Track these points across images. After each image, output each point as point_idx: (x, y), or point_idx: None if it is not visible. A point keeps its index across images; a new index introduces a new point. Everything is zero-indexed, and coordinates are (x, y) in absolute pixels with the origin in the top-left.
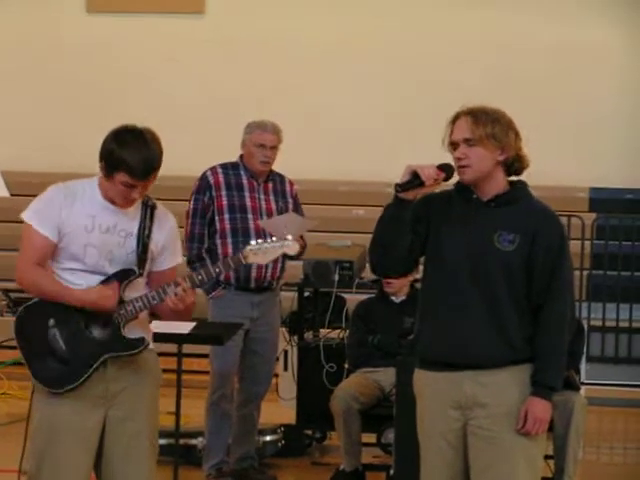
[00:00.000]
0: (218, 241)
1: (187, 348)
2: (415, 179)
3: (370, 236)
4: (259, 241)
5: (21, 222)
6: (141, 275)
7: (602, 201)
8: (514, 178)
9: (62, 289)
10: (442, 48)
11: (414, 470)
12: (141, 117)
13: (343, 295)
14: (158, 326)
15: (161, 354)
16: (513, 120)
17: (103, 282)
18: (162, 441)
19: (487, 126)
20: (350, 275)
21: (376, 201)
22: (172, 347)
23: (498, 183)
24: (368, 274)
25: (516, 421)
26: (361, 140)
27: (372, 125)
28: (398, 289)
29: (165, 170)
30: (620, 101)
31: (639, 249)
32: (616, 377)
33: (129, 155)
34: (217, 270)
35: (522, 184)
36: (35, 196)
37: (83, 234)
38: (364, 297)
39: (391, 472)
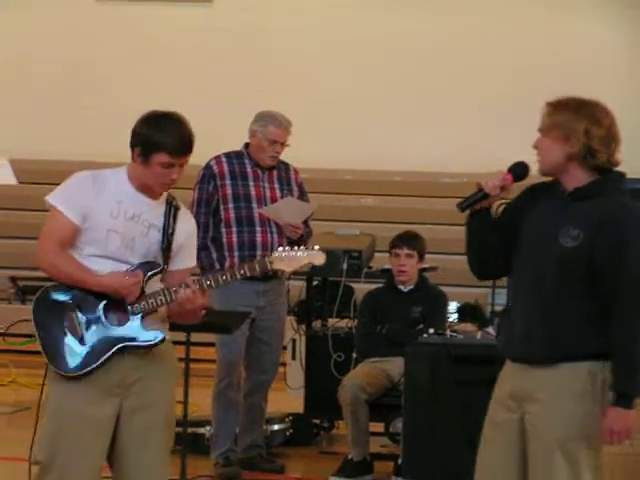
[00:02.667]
0: (223, 230)
1: (194, 337)
2: (478, 192)
3: (378, 225)
4: (287, 248)
5: (29, 210)
6: (165, 270)
7: None
8: (615, 169)
9: (83, 272)
10: (447, 37)
11: (422, 459)
12: (147, 106)
13: (351, 284)
14: None
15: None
16: (605, 112)
17: (129, 270)
18: None
19: (557, 116)
20: (358, 264)
21: (384, 190)
22: (179, 335)
23: (576, 177)
24: (376, 263)
25: (562, 420)
26: (369, 129)
27: (380, 114)
28: (410, 278)
29: None
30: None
31: None
32: None
33: (167, 135)
34: (242, 272)
35: (610, 177)
36: (43, 184)
37: (108, 219)
38: (372, 286)
39: (399, 461)
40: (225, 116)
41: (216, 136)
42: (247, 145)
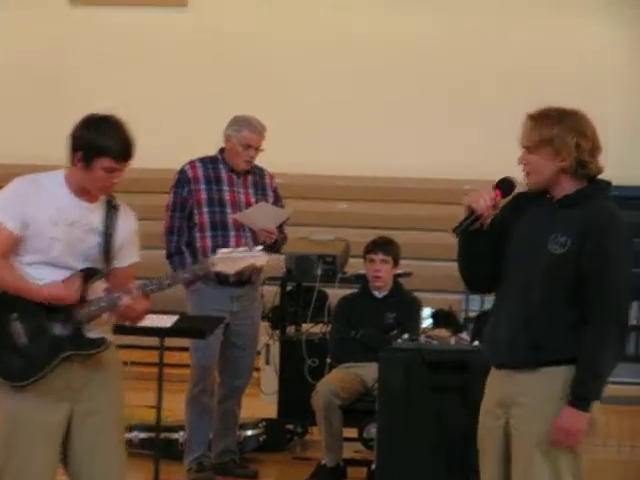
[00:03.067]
0: (197, 235)
1: (168, 342)
2: (471, 215)
3: (352, 230)
4: (229, 249)
5: None
6: (104, 275)
7: None
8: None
9: (23, 282)
10: (433, 43)
11: (396, 465)
12: (122, 109)
13: (326, 290)
14: None
15: (142, 347)
16: (586, 122)
17: (68, 277)
18: (143, 435)
19: (543, 131)
20: (333, 269)
21: (359, 195)
22: (152, 340)
23: (566, 187)
24: (351, 269)
25: (543, 424)
26: (345, 134)
27: (355, 119)
28: (385, 283)
29: (147, 163)
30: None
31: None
32: (622, 375)
33: (110, 139)
34: (186, 276)
35: (597, 185)
36: None
37: (49, 227)
38: (347, 292)
39: (373, 467)
40: (201, 121)
41: (191, 141)
42: (222, 150)
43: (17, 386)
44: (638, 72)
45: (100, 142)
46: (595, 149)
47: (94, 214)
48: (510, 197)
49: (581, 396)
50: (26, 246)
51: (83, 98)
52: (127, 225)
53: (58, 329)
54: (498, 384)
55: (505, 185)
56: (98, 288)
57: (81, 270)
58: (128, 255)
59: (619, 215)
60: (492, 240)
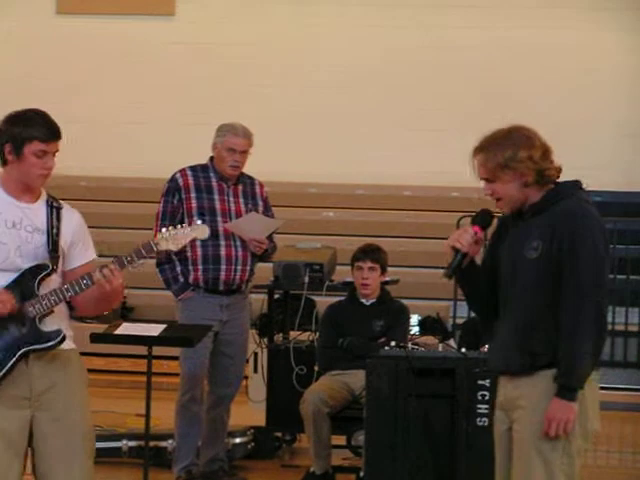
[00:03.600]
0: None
1: (157, 350)
2: (456, 255)
3: (339, 238)
4: (170, 228)
5: None
6: (55, 271)
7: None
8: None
9: None
10: (417, 54)
11: (384, 472)
12: (111, 118)
13: (313, 297)
14: (128, 329)
15: (130, 356)
16: (529, 132)
17: (17, 278)
18: (132, 443)
19: (495, 157)
20: (320, 277)
21: (346, 203)
22: (141, 349)
23: (535, 197)
24: (338, 276)
25: (539, 424)
26: (331, 142)
27: (342, 127)
28: (373, 291)
29: (134, 172)
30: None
31: (633, 252)
32: (612, 381)
33: (33, 125)
34: (129, 258)
35: (561, 186)
36: None
37: None
38: (334, 299)
39: (361, 474)
40: (188, 129)
41: (180, 149)
42: (212, 159)
43: None
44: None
45: (25, 128)
46: (546, 153)
47: (37, 214)
48: (497, 225)
49: (565, 386)
50: None
51: (67, 106)
52: (72, 224)
53: (12, 328)
54: (501, 389)
55: (481, 219)
56: (52, 283)
57: (28, 269)
58: (82, 254)
59: (586, 207)
60: (490, 271)
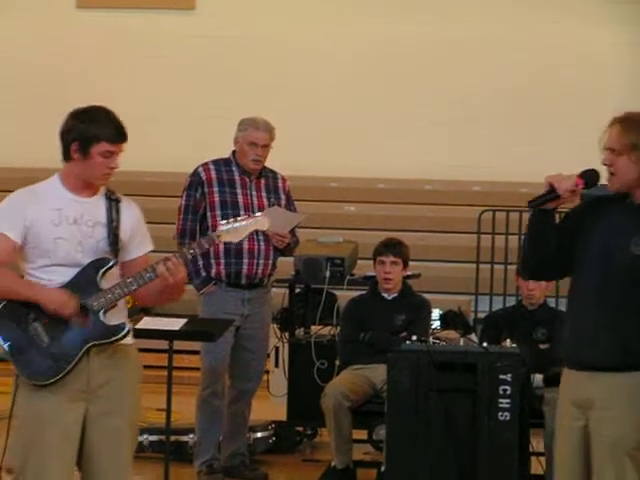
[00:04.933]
0: None
1: (178, 345)
2: (550, 192)
3: (361, 232)
4: (230, 220)
5: None
6: (116, 264)
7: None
8: None
9: (24, 288)
10: (435, 47)
11: (405, 467)
12: (130, 112)
13: (334, 292)
14: (148, 323)
15: (152, 350)
16: None
17: (79, 273)
18: (153, 438)
19: (632, 136)
20: (341, 272)
21: (367, 197)
22: (163, 343)
23: None
24: (359, 270)
25: (626, 427)
26: (353, 136)
27: (363, 122)
28: (395, 285)
29: (155, 167)
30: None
31: None
32: None
33: (103, 125)
34: (192, 251)
35: None
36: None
37: (51, 228)
38: (355, 294)
39: (382, 469)
40: (209, 124)
41: (201, 143)
42: (234, 153)
43: (43, 385)
44: (638, 72)
45: (94, 128)
46: None
47: (96, 208)
48: (591, 199)
49: None
50: (35, 251)
51: (88, 100)
52: (132, 215)
53: (77, 323)
54: (576, 385)
55: (589, 176)
56: (113, 277)
57: (90, 262)
58: (141, 245)
59: None
60: (562, 234)
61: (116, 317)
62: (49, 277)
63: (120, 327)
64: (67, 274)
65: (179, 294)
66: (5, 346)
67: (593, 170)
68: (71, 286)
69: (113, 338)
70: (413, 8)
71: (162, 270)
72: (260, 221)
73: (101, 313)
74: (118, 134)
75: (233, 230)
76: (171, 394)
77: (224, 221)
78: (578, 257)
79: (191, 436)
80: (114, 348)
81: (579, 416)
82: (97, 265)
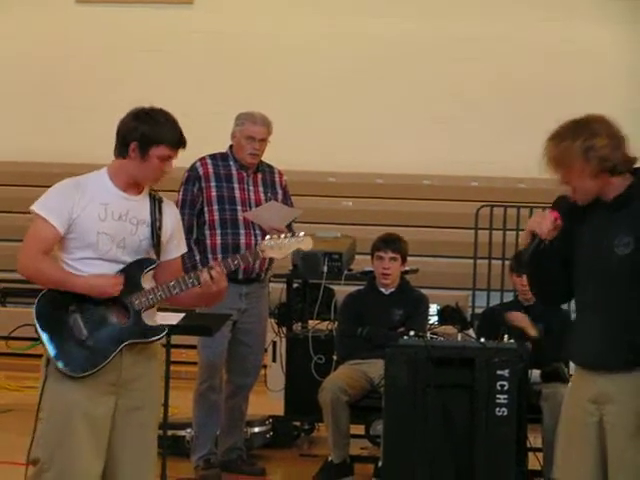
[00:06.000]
0: (207, 232)
1: (175, 339)
2: (534, 240)
3: (358, 227)
4: (274, 236)
5: (11, 212)
6: (158, 264)
7: None
8: None
9: (65, 275)
10: (434, 44)
11: (402, 462)
12: (128, 108)
13: (332, 287)
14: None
15: None
16: (602, 121)
17: (123, 270)
18: None
19: (560, 147)
20: (339, 266)
21: (365, 192)
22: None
23: (612, 185)
24: (356, 266)
25: (633, 425)
26: (350, 132)
27: (361, 117)
28: (393, 280)
29: None
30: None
31: None
32: None
33: (165, 129)
34: (236, 262)
35: None
36: (25, 186)
37: (96, 222)
38: (352, 289)
39: (379, 464)
40: (207, 118)
41: (199, 138)
42: (232, 147)
43: (79, 377)
44: (638, 72)
45: (156, 131)
46: (616, 142)
47: (141, 206)
48: (567, 208)
49: None
50: (76, 243)
51: (89, 96)
52: (173, 216)
53: (118, 318)
54: (590, 383)
55: (561, 205)
56: (151, 276)
57: (135, 261)
58: (177, 247)
59: None
60: (559, 254)
61: (150, 317)
62: (87, 270)
63: (160, 329)
64: (105, 268)
65: (219, 301)
66: (43, 335)
67: (563, 197)
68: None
69: (153, 338)
70: (412, 6)
71: (206, 278)
72: (305, 241)
73: (141, 312)
74: (179, 139)
75: (277, 247)
76: (169, 388)
77: (268, 236)
78: (575, 267)
79: (188, 431)
80: (144, 345)
81: (594, 412)
82: (142, 264)
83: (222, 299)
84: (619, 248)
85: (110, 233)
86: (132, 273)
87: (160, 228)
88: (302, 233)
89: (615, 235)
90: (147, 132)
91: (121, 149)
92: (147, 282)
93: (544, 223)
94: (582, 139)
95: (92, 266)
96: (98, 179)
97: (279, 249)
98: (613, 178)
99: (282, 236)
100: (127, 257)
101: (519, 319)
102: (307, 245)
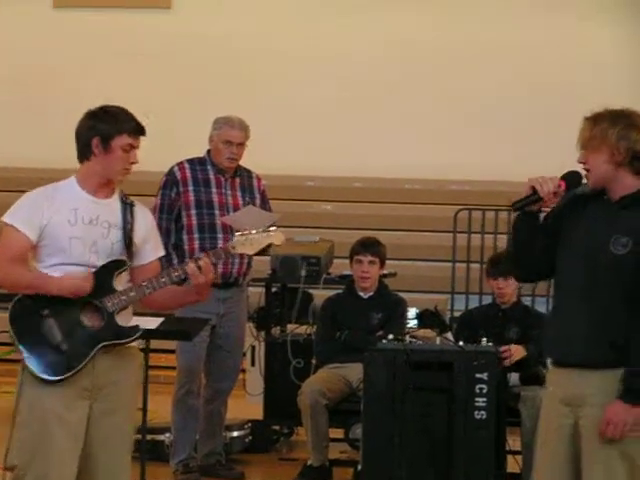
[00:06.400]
0: (185, 237)
1: (154, 344)
2: (532, 194)
3: (336, 231)
4: (245, 232)
5: None
6: (130, 266)
7: None
8: None
9: (36, 278)
10: (413, 47)
11: (381, 465)
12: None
13: (310, 291)
14: None
15: None
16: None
17: (95, 273)
18: None
19: (597, 128)
20: (317, 270)
21: (344, 196)
22: (139, 342)
23: (625, 184)
24: (335, 269)
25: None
26: (329, 136)
27: (339, 121)
28: (372, 284)
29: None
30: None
31: None
32: None
33: (122, 120)
34: (212, 260)
35: None
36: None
37: (67, 227)
38: (331, 293)
39: (359, 467)
40: (185, 122)
41: (178, 142)
42: (209, 152)
43: (51, 381)
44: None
45: (113, 123)
46: None
47: (112, 210)
48: (570, 196)
49: (630, 388)
50: (48, 250)
51: (66, 100)
52: (145, 221)
53: (92, 321)
54: (565, 382)
55: (571, 177)
56: (124, 278)
57: (106, 263)
58: (153, 250)
59: None
60: (546, 234)
61: (125, 318)
62: (62, 275)
63: (135, 329)
64: (79, 274)
65: (207, 295)
66: (18, 340)
67: (575, 171)
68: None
69: (126, 339)
70: (399, 7)
71: (193, 268)
72: (276, 235)
73: (114, 314)
74: (138, 127)
75: (248, 242)
76: (147, 393)
77: (239, 232)
78: (561, 256)
79: (167, 435)
80: (120, 349)
81: (568, 414)
82: (113, 267)
83: (207, 295)
84: (616, 247)
85: (81, 237)
86: (104, 275)
87: (132, 231)
88: (273, 227)
89: (614, 233)
90: (105, 126)
91: (83, 150)
92: (120, 284)
93: (547, 183)
94: (620, 127)
95: (66, 272)
96: (67, 186)
97: (250, 244)
98: (630, 176)
99: (253, 232)
100: (100, 261)
101: (515, 354)
102: (278, 239)
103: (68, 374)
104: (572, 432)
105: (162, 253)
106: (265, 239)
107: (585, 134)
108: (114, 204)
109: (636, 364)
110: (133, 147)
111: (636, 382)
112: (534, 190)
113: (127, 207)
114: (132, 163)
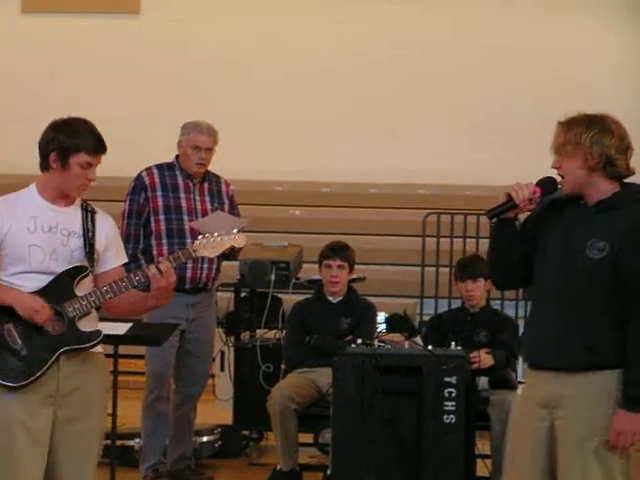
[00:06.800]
0: (153, 242)
1: (123, 349)
2: (508, 201)
3: (305, 236)
4: (207, 235)
5: None
6: (91, 272)
7: None
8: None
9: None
10: (377, 48)
11: (351, 470)
12: (76, 116)
13: (279, 295)
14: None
15: None
16: (614, 123)
17: (54, 280)
18: None
19: (571, 133)
20: (286, 275)
21: (312, 201)
22: (108, 348)
23: (599, 189)
24: (304, 274)
25: (593, 427)
26: (297, 141)
27: (307, 126)
28: (341, 289)
29: (99, 171)
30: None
31: None
32: None
33: (83, 136)
34: (173, 263)
35: (631, 188)
36: None
37: (26, 235)
38: (300, 297)
39: (328, 472)
40: (153, 128)
41: (145, 147)
42: (178, 157)
43: (13, 388)
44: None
45: (73, 139)
46: (623, 146)
47: (72, 217)
48: (546, 202)
49: (634, 397)
50: (8, 259)
51: (33, 105)
52: (106, 229)
53: (52, 327)
54: (541, 385)
55: (546, 184)
56: (85, 286)
57: (66, 269)
58: (115, 256)
59: None
60: (522, 239)
61: (88, 324)
62: (23, 284)
63: (95, 334)
64: (41, 281)
65: (168, 299)
66: None
67: (551, 177)
68: (47, 291)
69: (87, 344)
70: (346, 11)
71: (154, 272)
72: (238, 238)
73: (75, 319)
74: (97, 146)
75: (210, 245)
76: (117, 398)
77: (201, 236)
78: (538, 261)
79: (137, 440)
80: (84, 354)
81: (545, 416)
82: (73, 272)
83: (169, 299)
84: (592, 251)
85: (41, 245)
86: (64, 281)
87: (93, 238)
88: (235, 230)
89: (590, 237)
90: (64, 141)
91: (43, 162)
92: (82, 290)
93: (523, 190)
94: (594, 131)
95: (27, 280)
96: (27, 194)
97: (212, 247)
98: (604, 180)
99: (215, 234)
100: (60, 269)
101: (484, 361)
102: (241, 242)
103: (28, 380)
104: (548, 434)
105: (125, 260)
106: (227, 242)
107: (559, 139)
108: (74, 212)
109: (627, 370)
110: (91, 165)
111: (629, 387)
112: (509, 197)
113: (88, 214)
114: (89, 180)
